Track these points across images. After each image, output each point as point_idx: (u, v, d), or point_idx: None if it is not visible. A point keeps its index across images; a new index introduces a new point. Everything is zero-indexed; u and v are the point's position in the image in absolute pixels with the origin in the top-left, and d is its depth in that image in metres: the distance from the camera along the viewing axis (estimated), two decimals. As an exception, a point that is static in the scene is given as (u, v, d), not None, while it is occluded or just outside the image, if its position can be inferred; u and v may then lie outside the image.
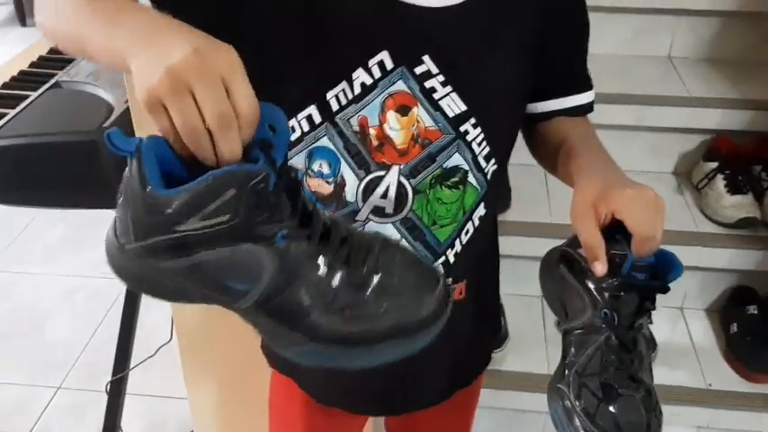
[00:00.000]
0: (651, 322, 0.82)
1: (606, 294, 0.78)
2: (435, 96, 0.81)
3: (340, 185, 0.84)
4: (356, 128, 0.82)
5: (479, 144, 0.85)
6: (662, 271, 0.77)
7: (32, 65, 1.70)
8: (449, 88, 0.81)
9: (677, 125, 1.92)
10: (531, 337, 1.86)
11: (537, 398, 1.77)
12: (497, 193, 0.94)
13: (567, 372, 0.81)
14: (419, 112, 0.81)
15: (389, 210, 0.85)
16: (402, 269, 0.65)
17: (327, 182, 0.84)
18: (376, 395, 1.04)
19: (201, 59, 0.53)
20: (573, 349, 0.82)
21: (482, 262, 1.00)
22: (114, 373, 1.90)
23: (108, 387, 1.90)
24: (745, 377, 1.77)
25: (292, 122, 0.81)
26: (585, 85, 0.96)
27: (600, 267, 0.75)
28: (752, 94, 1.86)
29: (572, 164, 0.84)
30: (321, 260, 0.61)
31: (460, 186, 0.86)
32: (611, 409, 0.76)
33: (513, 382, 1.78)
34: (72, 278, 2.63)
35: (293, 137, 0.82)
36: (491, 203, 0.92)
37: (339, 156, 0.83)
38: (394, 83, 0.80)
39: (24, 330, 2.41)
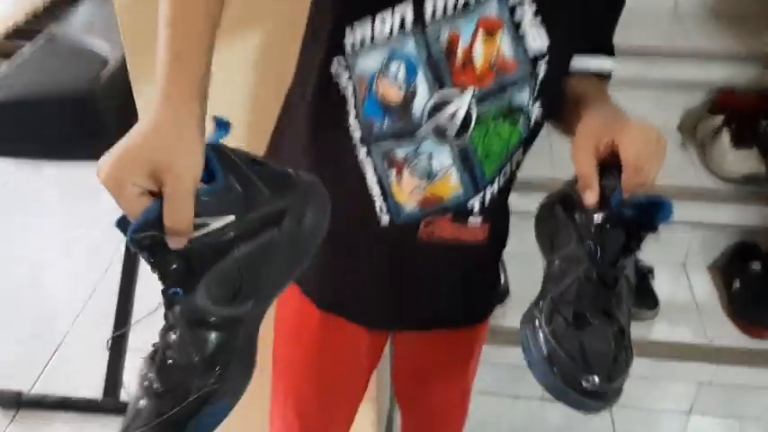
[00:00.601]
0: (651, 276, 0.83)
1: (592, 227, 0.77)
2: (523, 27, 0.80)
3: (411, 95, 0.82)
4: (444, 43, 0.80)
5: (540, 84, 0.84)
6: (653, 214, 0.75)
7: (27, 18, 1.67)
8: (539, 19, 0.80)
9: (683, 79, 1.89)
10: (532, 294, 1.84)
11: (538, 354, 1.78)
12: (532, 141, 0.93)
13: (542, 299, 0.81)
14: (502, 39, 0.80)
15: (452, 132, 0.84)
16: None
17: (400, 88, 0.82)
18: (381, 305, 1.03)
19: (146, 163, 0.59)
20: (552, 278, 0.82)
21: (504, 209, 1.02)
22: (115, 330, 1.90)
23: (109, 343, 1.91)
24: (746, 333, 1.77)
25: (386, 13, 0.79)
26: (611, 50, 0.95)
27: (590, 196, 0.75)
28: (759, 48, 1.83)
29: (581, 108, 0.84)
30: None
31: (516, 125, 0.86)
32: (580, 335, 0.75)
33: (515, 337, 1.77)
34: (71, 231, 2.62)
35: (384, 29, 0.80)
36: (526, 149, 0.92)
37: (418, 66, 0.81)
38: (489, 5, 0.79)
39: (25, 285, 2.40)
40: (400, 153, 0.86)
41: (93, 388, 1.94)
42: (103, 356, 1.93)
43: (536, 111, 0.87)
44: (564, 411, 2.10)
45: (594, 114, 0.81)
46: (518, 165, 0.93)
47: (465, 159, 0.86)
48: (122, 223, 0.62)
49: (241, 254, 0.65)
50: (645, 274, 1.85)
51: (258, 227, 0.65)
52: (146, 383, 0.67)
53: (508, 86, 0.83)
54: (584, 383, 0.74)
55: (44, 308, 2.30)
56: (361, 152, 0.87)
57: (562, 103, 0.91)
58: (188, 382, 0.65)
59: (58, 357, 2.13)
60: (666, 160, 2.10)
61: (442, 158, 0.86)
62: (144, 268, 1.93)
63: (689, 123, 2.00)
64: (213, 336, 0.66)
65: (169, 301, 0.65)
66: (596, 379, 0.74)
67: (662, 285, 1.86)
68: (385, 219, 0.91)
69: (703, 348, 1.76)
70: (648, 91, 1.93)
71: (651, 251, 2.00)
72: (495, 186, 0.91)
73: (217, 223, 0.63)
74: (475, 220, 0.92)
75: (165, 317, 0.67)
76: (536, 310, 0.81)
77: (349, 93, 0.85)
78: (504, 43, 0.80)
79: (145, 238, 0.60)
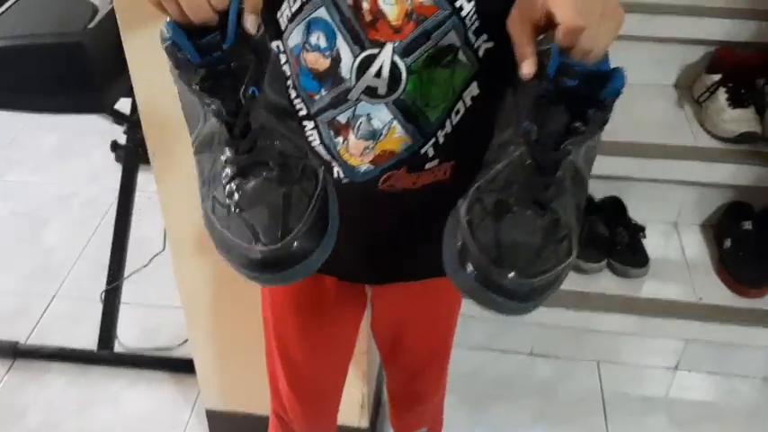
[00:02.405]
0: (643, 235, 0.76)
1: (528, 103, 0.67)
2: None
3: (336, 60, 0.82)
4: (350, 1, 0.79)
5: (471, 18, 0.81)
6: (601, 85, 0.65)
7: (14, -35, 1.64)
8: None
9: (680, 35, 1.87)
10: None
11: (528, 309, 1.80)
12: (497, 73, 0.91)
13: (471, 188, 0.73)
14: None
15: (382, 90, 0.83)
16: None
17: (324, 56, 0.82)
18: (354, 260, 1.02)
19: None
20: (485, 165, 0.74)
21: (474, 143, 0.98)
22: (109, 282, 1.91)
23: (102, 296, 1.92)
24: (735, 291, 1.79)
25: None
26: None
27: (525, 65, 0.66)
28: (758, 3, 1.81)
29: None
30: (227, 150, 0.67)
31: (452, 65, 0.83)
32: (497, 224, 0.67)
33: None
34: (65, 186, 2.61)
35: (296, 5, 0.81)
36: (488, 84, 0.88)
37: (335, 29, 0.81)
38: None
39: (20, 238, 2.40)
40: (342, 119, 0.86)
41: (87, 339, 1.96)
42: (98, 308, 1.94)
43: (482, 44, 0.84)
44: (552, 365, 2.14)
45: None
46: (475, 99, 0.89)
47: (405, 112, 0.85)
48: (182, 37, 0.64)
49: (276, 56, 0.71)
50: (636, 233, 1.86)
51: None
52: (268, 181, 0.66)
53: (432, 32, 0.80)
54: (495, 278, 0.64)
55: (39, 261, 2.31)
56: (309, 126, 0.88)
57: None
58: (309, 165, 0.68)
59: (53, 309, 2.14)
60: (662, 118, 2.10)
61: (381, 116, 0.85)
62: (135, 224, 1.94)
63: (686, 81, 1.98)
64: (294, 123, 0.70)
65: (247, 107, 0.66)
66: (511, 274, 0.64)
67: (653, 243, 1.87)
68: (345, 181, 0.91)
69: (692, 306, 1.78)
70: (645, 47, 1.91)
71: (644, 209, 2.02)
72: (448, 127, 0.89)
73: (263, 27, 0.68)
74: (432, 164, 0.91)
75: (239, 132, 0.67)
76: (460, 200, 0.72)
77: (287, 73, 0.86)
78: None
79: (240, 13, 0.64)
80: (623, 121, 1.85)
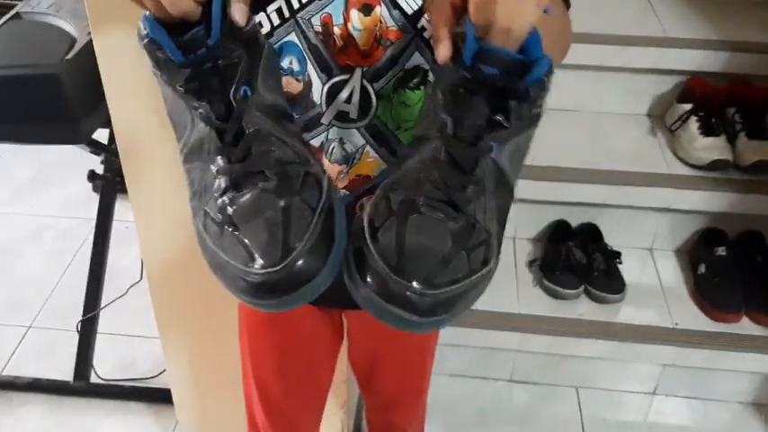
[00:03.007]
0: (619, 261, 0.66)
1: (444, 94, 0.60)
2: None
3: (307, 85, 0.83)
4: (319, 27, 0.80)
5: None
6: (524, 72, 0.57)
7: (-8, -4, 1.64)
8: None
9: (652, 66, 1.90)
10: (502, 277, 1.87)
11: (507, 336, 1.81)
12: None
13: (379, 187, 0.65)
14: (382, 12, 0.79)
15: (353, 115, 0.84)
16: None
17: (297, 80, 0.83)
18: (339, 287, 1.03)
19: None
20: (397, 163, 0.66)
21: None
22: (85, 313, 1.89)
23: (79, 326, 1.90)
24: (711, 317, 1.81)
25: (261, 16, 0.80)
26: None
27: (440, 49, 0.59)
28: (728, 34, 1.85)
29: None
30: (219, 159, 0.60)
31: (422, 87, 0.84)
32: (400, 227, 0.58)
33: (484, 320, 1.80)
34: (41, 218, 2.59)
35: (264, 31, 0.80)
36: None
37: (305, 55, 0.82)
38: None
39: (-5, 270, 2.38)
40: (315, 143, 0.86)
41: (63, 370, 1.93)
42: (74, 339, 1.91)
43: None
44: (531, 392, 2.13)
45: None
46: None
47: (376, 136, 0.85)
48: (165, 38, 0.58)
49: (267, 46, 0.65)
50: (612, 259, 1.88)
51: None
52: (265, 193, 0.59)
53: (399, 56, 0.81)
54: (393, 288, 0.56)
55: (14, 291, 2.28)
56: None
57: None
58: (312, 172, 0.61)
59: (28, 340, 2.11)
60: (635, 146, 2.13)
61: (354, 140, 0.85)
62: (113, 254, 1.92)
63: (658, 110, 2.02)
64: (292, 126, 0.64)
65: (239, 110, 0.60)
66: (413, 284, 0.56)
67: (629, 269, 1.88)
68: None
69: (668, 331, 1.79)
70: (619, 77, 1.95)
71: (619, 236, 2.03)
72: None
73: (255, 18, 0.64)
74: None
75: (231, 138, 0.60)
76: (365, 198, 0.65)
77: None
78: (384, 14, 0.79)
79: (226, 4, 0.58)
80: (598, 150, 1.88)
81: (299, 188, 0.59)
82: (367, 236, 0.58)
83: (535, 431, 1.85)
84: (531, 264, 1.94)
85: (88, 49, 1.23)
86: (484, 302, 1.89)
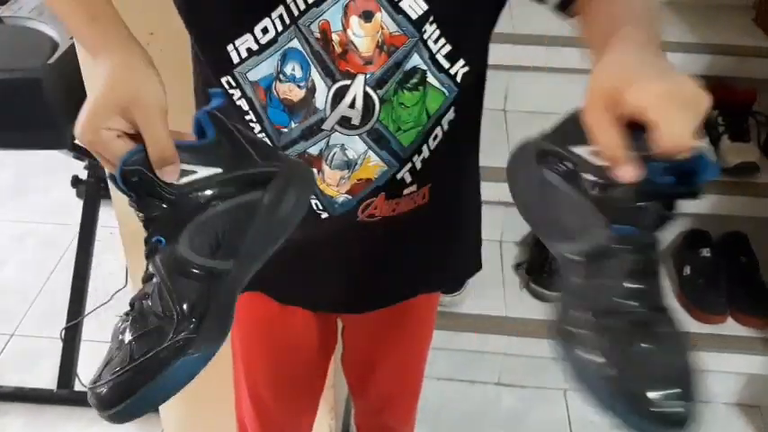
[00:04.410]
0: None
1: (623, 206, 0.59)
2: (400, 2, 0.79)
3: (311, 91, 0.82)
4: (318, 34, 0.79)
5: (436, 41, 0.82)
6: (691, 175, 0.58)
7: (-27, 0, 1.63)
8: None
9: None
10: (489, 281, 1.88)
11: (494, 339, 1.81)
12: (474, 99, 0.91)
13: (578, 313, 0.62)
14: (383, 18, 0.79)
15: (356, 121, 0.83)
16: None
17: (299, 86, 0.82)
18: (341, 292, 1.03)
19: (116, 107, 0.62)
20: (577, 281, 0.63)
21: (453, 167, 0.97)
22: (69, 320, 1.87)
23: (63, 334, 1.88)
24: (696, 318, 1.82)
25: (264, 22, 0.79)
26: None
27: (628, 171, 0.57)
28: (711, 38, 1.87)
29: (594, 34, 0.72)
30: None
31: (420, 88, 0.84)
32: (645, 349, 0.58)
33: (471, 324, 1.80)
34: (24, 224, 2.57)
35: (267, 37, 0.80)
36: (466, 109, 0.90)
37: (309, 60, 0.81)
38: None
39: (-25, 277, 2.36)
40: (314, 151, 0.86)
41: (46, 378, 1.91)
42: (58, 347, 1.89)
43: (458, 68, 0.85)
44: (519, 395, 2.13)
45: (611, 57, 0.62)
46: (453, 124, 0.89)
47: (378, 140, 0.85)
48: (112, 179, 0.66)
49: (224, 208, 0.67)
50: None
51: (243, 185, 0.67)
52: (120, 336, 0.67)
53: (402, 61, 0.81)
54: (661, 409, 0.57)
55: (-4, 298, 2.26)
56: None
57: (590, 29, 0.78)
58: (164, 330, 0.65)
59: (11, 348, 2.09)
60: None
61: (356, 146, 0.85)
62: (97, 260, 1.91)
63: (642, 113, 2.03)
64: (193, 286, 0.66)
65: (151, 250, 0.66)
66: (678, 400, 0.57)
67: (615, 272, 1.89)
68: (324, 215, 0.91)
69: (654, 333, 1.79)
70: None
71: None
72: (426, 152, 0.89)
73: (204, 172, 0.65)
74: (410, 190, 0.91)
75: (147, 267, 0.68)
76: (569, 327, 0.62)
77: (245, 108, 0.85)
78: (385, 20, 0.79)
79: (133, 173, 0.63)
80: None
81: (139, 337, 0.65)
82: (614, 369, 0.58)
83: (523, 434, 1.85)
84: (517, 267, 1.94)
85: (71, 53, 1.22)
86: (471, 306, 1.90)
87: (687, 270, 1.88)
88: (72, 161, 2.08)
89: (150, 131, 0.62)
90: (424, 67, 0.83)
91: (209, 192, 0.66)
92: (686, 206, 1.97)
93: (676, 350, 0.60)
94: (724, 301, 1.82)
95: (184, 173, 0.64)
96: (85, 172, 1.90)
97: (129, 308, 0.68)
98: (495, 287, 1.87)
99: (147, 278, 0.67)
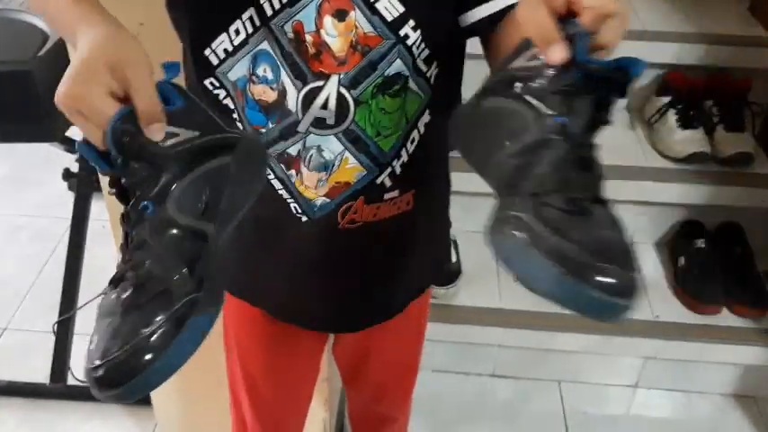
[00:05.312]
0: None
1: (557, 97, 0.62)
2: (374, 2, 0.78)
3: (282, 93, 0.82)
4: (291, 35, 0.79)
5: (419, 47, 0.82)
6: (621, 72, 0.62)
7: (-39, -8, 1.61)
8: None
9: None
10: (484, 273, 1.87)
11: (489, 331, 1.81)
12: (447, 99, 0.90)
13: (515, 198, 0.64)
14: (357, 17, 0.78)
15: (330, 121, 0.83)
16: None
17: (272, 88, 0.82)
18: (336, 310, 1.03)
19: (104, 65, 0.61)
20: (514, 174, 0.65)
21: (431, 171, 0.97)
22: (61, 313, 1.86)
23: (55, 327, 1.87)
24: (691, 309, 1.82)
25: (236, 24, 0.79)
26: None
27: (557, 50, 0.60)
28: (706, 27, 1.86)
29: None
30: (120, 254, 0.68)
31: (402, 94, 0.84)
32: (586, 221, 0.61)
33: (466, 316, 1.79)
34: (15, 217, 2.55)
35: (239, 39, 0.80)
36: (438, 110, 0.89)
37: (279, 63, 0.81)
38: None
39: (-33, 271, 2.34)
40: (292, 151, 0.86)
41: (40, 372, 1.90)
42: (50, 340, 1.88)
43: (432, 70, 0.85)
44: (514, 386, 2.13)
45: None
46: (429, 126, 0.89)
47: (355, 142, 0.85)
48: (85, 147, 0.64)
49: (205, 170, 0.67)
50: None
51: (217, 149, 0.68)
52: (118, 308, 0.64)
53: (378, 62, 0.81)
54: (607, 278, 0.58)
55: (-12, 292, 2.25)
56: None
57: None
58: (171, 293, 0.64)
59: (3, 342, 2.08)
60: (614, 139, 2.13)
61: (332, 147, 0.85)
62: (89, 253, 1.89)
63: (637, 104, 2.02)
64: (186, 247, 0.66)
65: (138, 218, 0.65)
66: (620, 270, 0.58)
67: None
68: (303, 219, 0.91)
69: (649, 324, 1.80)
70: (597, 71, 1.95)
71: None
72: (405, 156, 0.89)
73: (186, 134, 0.66)
74: (391, 195, 0.91)
75: (127, 242, 0.67)
76: (511, 213, 0.63)
77: (231, 107, 0.86)
78: (359, 19, 0.79)
79: (125, 132, 0.62)
80: (578, 143, 1.88)
81: (145, 303, 0.64)
82: (559, 239, 0.59)
83: (518, 426, 1.85)
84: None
85: (61, 45, 1.21)
86: (465, 298, 1.90)
87: (682, 261, 1.88)
88: (63, 154, 2.07)
89: (140, 87, 0.62)
90: (407, 74, 0.83)
91: (191, 153, 0.66)
92: (678, 196, 1.96)
93: (614, 229, 0.61)
94: (719, 291, 1.82)
95: (168, 135, 0.64)
96: (77, 165, 1.89)
97: (113, 284, 0.66)
98: (490, 279, 1.87)
99: (136, 247, 0.66)
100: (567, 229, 0.60)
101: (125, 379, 0.62)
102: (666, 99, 1.88)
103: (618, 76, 0.62)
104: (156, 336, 0.62)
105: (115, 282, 0.66)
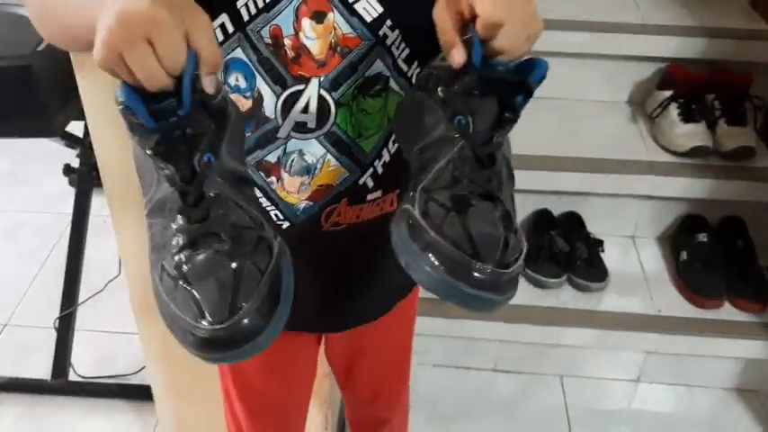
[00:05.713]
0: (601, 249, 0.72)
1: (460, 97, 0.66)
2: (350, 0, 0.77)
3: (257, 101, 0.81)
4: (268, 40, 0.78)
5: (398, 47, 0.81)
6: (526, 74, 0.65)
7: (-40, -13, 1.60)
8: None
9: (632, 53, 1.90)
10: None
11: (488, 326, 1.80)
12: None
13: (412, 192, 0.68)
14: (335, 19, 0.78)
15: (312, 124, 0.82)
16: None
17: (245, 96, 0.81)
18: (323, 311, 1.02)
19: (155, 7, 0.55)
20: (420, 167, 0.70)
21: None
22: (62, 309, 1.86)
23: (56, 323, 1.87)
24: (693, 303, 1.82)
25: None
26: None
27: (456, 53, 0.64)
28: (707, 21, 1.86)
29: None
30: (179, 218, 0.64)
31: (383, 94, 0.84)
32: (462, 219, 0.64)
33: (464, 311, 1.78)
34: (16, 213, 2.55)
35: None
36: None
37: (254, 69, 0.80)
38: None
39: (-32, 267, 2.34)
40: (271, 158, 0.85)
41: (41, 368, 1.90)
42: (52, 336, 1.89)
43: (413, 69, 0.84)
44: (516, 381, 2.13)
45: None
46: None
47: (337, 144, 0.84)
48: (134, 97, 0.59)
49: (234, 117, 0.67)
50: (595, 247, 1.88)
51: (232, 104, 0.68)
52: (226, 254, 0.62)
53: (358, 63, 0.80)
54: (475, 273, 0.62)
55: (-11, 289, 2.25)
56: None
57: None
58: (266, 238, 0.64)
59: (4, 338, 2.08)
60: (616, 133, 2.13)
61: (314, 150, 0.84)
62: (90, 249, 1.89)
63: (638, 97, 2.02)
64: (247, 194, 0.66)
65: (202, 172, 0.63)
66: (489, 266, 0.62)
67: (612, 257, 1.89)
68: (285, 225, 0.90)
69: (651, 318, 1.79)
70: (599, 64, 1.95)
71: (601, 224, 2.04)
72: (386, 156, 0.89)
73: (226, 90, 0.66)
74: (374, 195, 0.90)
75: (185, 201, 0.63)
76: (406, 205, 0.68)
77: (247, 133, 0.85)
78: (338, 21, 0.78)
79: (197, 79, 0.60)
80: (579, 138, 1.87)
81: (251, 252, 0.63)
82: (434, 234, 0.63)
83: (520, 421, 1.85)
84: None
85: (60, 39, 1.20)
86: (467, 293, 1.84)
87: (684, 255, 1.88)
88: (64, 149, 2.06)
89: (206, 34, 0.59)
90: (388, 74, 0.82)
91: (226, 102, 0.66)
92: (680, 190, 1.96)
93: (495, 225, 0.64)
94: (721, 285, 1.82)
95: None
96: (77, 160, 1.88)
97: (190, 246, 0.63)
98: (491, 274, 1.87)
99: (212, 201, 0.63)
100: (444, 225, 0.64)
101: (267, 321, 0.62)
102: (668, 93, 1.88)
103: (520, 78, 0.65)
104: (275, 285, 0.63)
105: (194, 242, 0.63)
